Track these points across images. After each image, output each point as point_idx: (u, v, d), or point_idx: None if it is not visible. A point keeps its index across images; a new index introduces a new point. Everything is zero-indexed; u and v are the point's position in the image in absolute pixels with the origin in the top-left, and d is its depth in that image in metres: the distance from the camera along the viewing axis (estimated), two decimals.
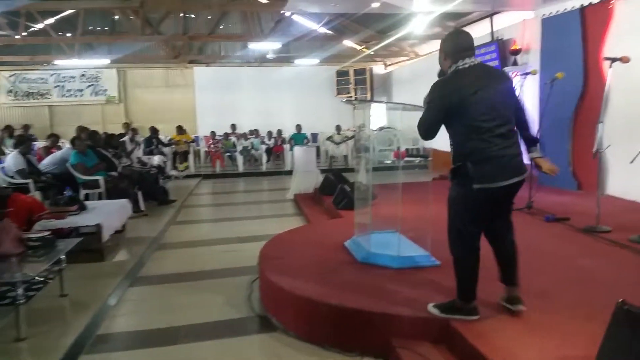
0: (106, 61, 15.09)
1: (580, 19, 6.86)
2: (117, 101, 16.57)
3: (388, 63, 17.33)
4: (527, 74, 6.08)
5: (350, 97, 16.65)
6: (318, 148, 13.53)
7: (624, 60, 4.52)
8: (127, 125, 13.26)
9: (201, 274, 4.90)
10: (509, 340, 2.58)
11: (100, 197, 7.24)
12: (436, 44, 12.73)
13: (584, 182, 6.93)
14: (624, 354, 1.96)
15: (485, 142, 2.60)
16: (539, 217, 5.41)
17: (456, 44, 2.84)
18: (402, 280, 3.54)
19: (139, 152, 10.76)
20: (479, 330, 2.70)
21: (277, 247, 4.62)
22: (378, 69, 17.48)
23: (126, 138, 10.77)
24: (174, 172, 12.12)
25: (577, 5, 6.97)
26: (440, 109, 2.70)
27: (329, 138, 13.76)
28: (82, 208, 5.44)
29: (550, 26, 7.58)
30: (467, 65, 2.74)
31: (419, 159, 4.19)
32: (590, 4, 6.79)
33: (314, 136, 15.34)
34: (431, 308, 2.94)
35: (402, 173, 4.23)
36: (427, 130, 2.73)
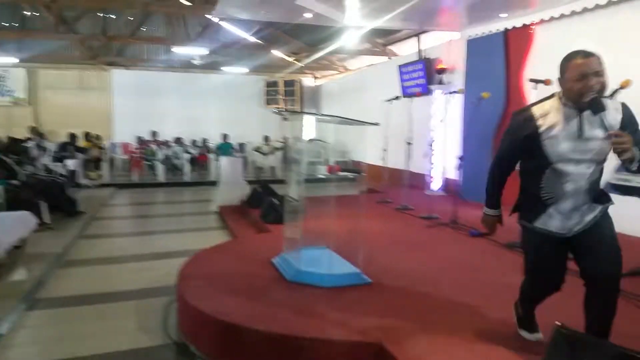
0: (14, 60, 13.91)
1: (504, 42, 7.09)
2: (25, 103, 15.31)
3: (318, 76, 17.34)
4: (454, 92, 6.14)
5: (280, 108, 16.44)
6: (245, 159, 13.15)
7: (547, 82, 4.63)
8: (33, 129, 12.22)
9: (111, 295, 4.39)
10: None
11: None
12: (365, 60, 12.88)
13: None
14: None
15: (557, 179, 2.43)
16: (462, 232, 5.51)
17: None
18: (333, 300, 3.31)
19: (45, 159, 9.87)
20: (412, 354, 2.51)
21: (198, 265, 4.24)
22: (308, 81, 17.44)
23: (32, 143, 9.84)
24: (85, 181, 11.26)
25: (501, 28, 7.21)
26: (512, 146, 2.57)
27: (257, 149, 13.42)
28: None
29: (475, 47, 7.80)
30: None
31: (353, 173, 3.97)
32: (513, 27, 7.03)
33: (241, 146, 14.93)
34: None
35: (333, 187, 4.06)
36: (495, 166, 2.65)
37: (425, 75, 8.90)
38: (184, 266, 4.19)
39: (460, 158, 5.72)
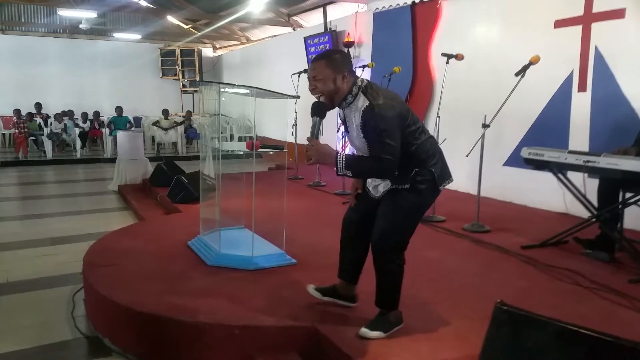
0: None
1: (411, 16, 7.20)
2: None
3: (218, 46, 16.73)
4: (364, 66, 6.19)
5: (178, 79, 15.71)
6: (144, 134, 12.44)
7: (459, 57, 4.79)
8: None
9: (6, 286, 3.94)
10: (382, 346, 2.45)
11: None
12: (268, 30, 12.52)
13: None
14: (508, 354, 1.94)
15: (433, 142, 2.57)
16: None
17: (346, 55, 2.62)
18: (259, 283, 3.23)
19: None
20: (349, 335, 2.52)
21: (105, 250, 3.94)
22: (207, 51, 16.77)
23: None
24: None
25: (409, 2, 7.31)
26: (398, 129, 2.38)
27: (156, 123, 12.72)
28: None
29: (382, 20, 7.87)
30: (360, 79, 2.49)
31: (273, 150, 3.86)
32: (420, 1, 7.13)
33: (137, 120, 14.06)
34: (368, 333, 2.50)
35: (248, 164, 3.92)
36: (397, 160, 2.34)
37: (331, 48, 8.88)
38: (89, 252, 3.89)
39: None
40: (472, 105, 6.15)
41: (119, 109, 12.65)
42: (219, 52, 16.72)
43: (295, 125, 7.57)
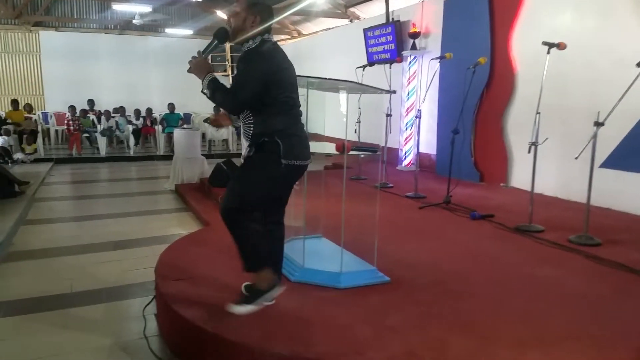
0: None
1: (489, 3, 6.60)
2: None
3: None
4: (441, 57, 5.67)
5: (227, 75, 15.51)
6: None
7: (562, 46, 4.25)
8: None
9: (68, 297, 3.68)
10: None
11: None
12: (322, 23, 12.08)
13: (486, 174, 6.83)
14: None
15: (295, 121, 2.64)
16: (460, 214, 5.05)
17: (271, 11, 2.66)
18: (355, 306, 2.80)
19: None
20: None
21: (175, 261, 3.62)
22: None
23: None
24: (19, 156, 10.12)
25: None
26: (260, 81, 2.46)
27: (207, 120, 12.50)
28: None
29: (454, 9, 7.30)
30: (274, 40, 2.65)
31: (366, 153, 3.44)
32: None
33: (187, 117, 13.92)
34: (236, 308, 2.68)
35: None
36: (241, 103, 2.51)
37: (395, 40, 8.36)
38: (160, 263, 3.57)
39: (455, 131, 5.29)
40: (562, 101, 5.56)
41: (171, 106, 12.52)
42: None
43: (359, 122, 7.14)
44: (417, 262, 3.58)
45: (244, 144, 2.75)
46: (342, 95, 3.17)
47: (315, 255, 3.37)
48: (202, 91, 2.52)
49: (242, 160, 2.73)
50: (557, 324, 2.59)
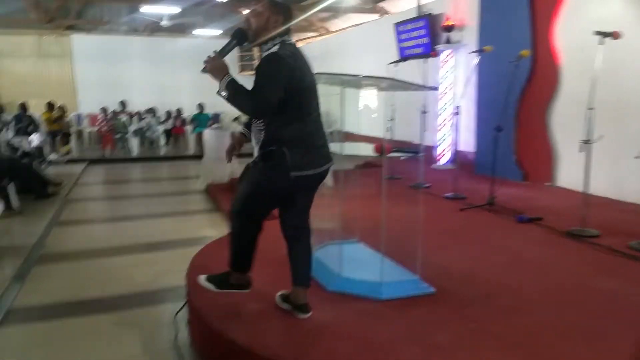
0: None
1: None
2: None
3: (294, 39, 16.34)
4: (480, 51, 5.41)
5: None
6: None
7: (616, 35, 3.96)
8: None
9: (100, 302, 3.61)
10: None
11: None
12: (350, 19, 11.78)
13: (530, 173, 6.52)
14: None
15: (310, 128, 2.52)
16: (505, 216, 4.78)
17: (291, 12, 2.53)
18: (399, 321, 2.61)
19: (7, 134, 8.79)
20: None
21: (207, 266, 3.46)
22: None
23: None
24: (53, 157, 10.24)
25: None
26: (282, 86, 2.34)
27: (236, 119, 12.46)
28: None
29: (491, 0, 7.02)
30: (294, 41, 2.55)
31: (406, 155, 3.25)
32: None
33: (216, 117, 13.89)
34: (203, 282, 2.75)
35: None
36: (264, 106, 2.36)
37: (428, 34, 8.09)
38: (192, 268, 3.45)
39: (499, 129, 5.03)
40: (614, 95, 5.21)
41: (200, 106, 12.51)
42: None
43: (392, 119, 6.93)
44: (461, 270, 3.36)
45: (255, 147, 2.62)
46: (375, 93, 2.99)
47: (353, 262, 3.20)
48: (218, 93, 2.40)
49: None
50: (627, 346, 2.35)
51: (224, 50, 2.44)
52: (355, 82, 3.33)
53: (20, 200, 6.16)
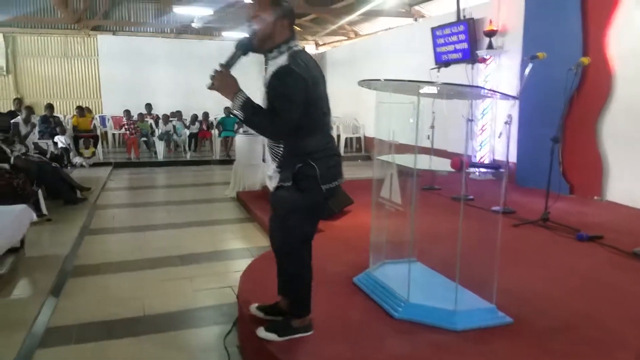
0: None
1: None
2: (4, 72, 13.89)
3: (320, 43, 16.13)
4: (532, 57, 5.11)
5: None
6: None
7: None
8: (19, 101, 10.93)
9: (140, 322, 3.38)
10: None
11: None
12: (381, 23, 11.46)
13: (577, 186, 6.20)
14: None
15: (328, 140, 2.42)
16: (562, 233, 4.49)
17: (294, 13, 2.41)
18: (478, 356, 2.38)
19: (34, 137, 8.70)
20: None
21: (257, 287, 3.27)
22: (309, 48, 16.22)
23: (19, 118, 8.61)
24: (78, 160, 10.14)
25: None
26: (302, 100, 2.21)
27: None
28: None
29: (539, 5, 6.70)
30: (301, 47, 2.40)
31: (489, 170, 2.99)
32: None
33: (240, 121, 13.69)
34: (263, 333, 2.52)
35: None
36: (288, 127, 2.23)
37: (468, 39, 7.81)
38: (242, 289, 3.25)
39: (555, 140, 4.74)
40: None
41: (227, 110, 12.34)
42: (322, 49, 16.11)
43: (433, 127, 6.64)
44: (533, 296, 3.09)
45: (270, 164, 2.46)
46: (423, 101, 2.76)
47: (417, 285, 2.94)
48: (230, 112, 2.22)
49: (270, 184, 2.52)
50: None
51: (229, 63, 2.30)
52: (405, 88, 3.08)
53: (49, 206, 6.02)
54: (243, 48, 2.30)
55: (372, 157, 12.66)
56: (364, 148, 12.60)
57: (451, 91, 2.82)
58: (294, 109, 2.19)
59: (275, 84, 2.21)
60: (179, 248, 5.03)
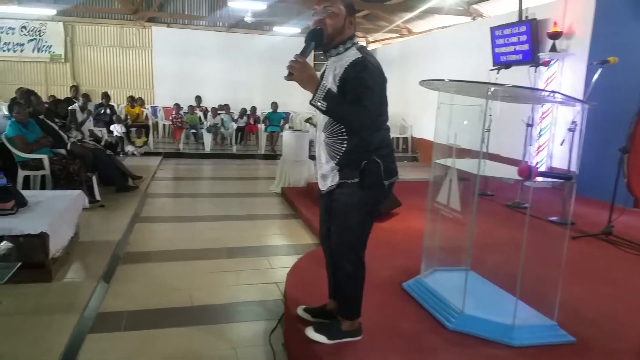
0: (51, 12, 12.93)
1: None
2: (62, 60, 14.40)
3: (371, 40, 15.96)
4: (604, 62, 4.85)
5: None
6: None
7: None
8: (76, 88, 11.29)
9: (189, 312, 3.41)
10: None
11: (43, 182, 5.64)
12: (436, 21, 11.15)
13: None
14: None
15: (389, 133, 2.43)
16: (626, 249, 4.24)
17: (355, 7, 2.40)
18: None
19: (90, 124, 8.96)
20: None
21: (305, 286, 3.24)
22: None
23: (76, 105, 8.89)
24: (130, 148, 10.40)
25: None
26: (380, 93, 2.25)
27: (308, 120, 12.23)
28: (21, 204, 3.83)
29: (609, 7, 6.37)
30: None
31: (558, 181, 2.85)
32: None
33: (286, 116, 13.72)
34: (312, 333, 2.49)
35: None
36: (371, 118, 2.21)
37: (529, 40, 7.51)
38: (289, 288, 3.21)
39: (624, 150, 4.48)
40: None
41: (274, 105, 12.39)
42: (372, 46, 15.94)
43: (489, 131, 6.43)
44: (596, 315, 2.92)
45: (323, 163, 2.43)
46: (489, 104, 2.62)
47: (471, 295, 2.82)
48: (311, 103, 2.19)
49: (322, 191, 2.51)
50: None
51: (304, 54, 2.24)
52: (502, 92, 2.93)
53: (102, 192, 6.18)
54: (316, 40, 2.26)
55: (419, 159, 12.44)
56: (410, 149, 12.39)
57: (521, 94, 2.67)
58: (376, 100, 2.21)
59: (356, 75, 2.17)
60: (226, 240, 5.06)
